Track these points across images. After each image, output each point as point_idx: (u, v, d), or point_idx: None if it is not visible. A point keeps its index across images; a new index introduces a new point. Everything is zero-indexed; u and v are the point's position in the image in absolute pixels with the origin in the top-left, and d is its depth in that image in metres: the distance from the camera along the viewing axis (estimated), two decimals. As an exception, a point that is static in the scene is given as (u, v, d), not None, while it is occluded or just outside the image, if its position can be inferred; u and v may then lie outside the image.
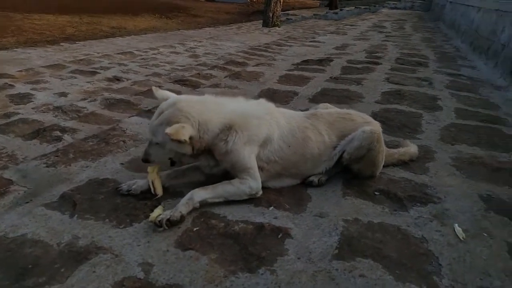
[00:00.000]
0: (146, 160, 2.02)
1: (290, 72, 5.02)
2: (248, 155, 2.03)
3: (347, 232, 1.81)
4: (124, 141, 2.77)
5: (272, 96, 4.01)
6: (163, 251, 1.65)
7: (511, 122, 3.48)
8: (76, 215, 1.86)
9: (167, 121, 1.87)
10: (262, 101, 2.25)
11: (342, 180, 2.29)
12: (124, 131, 2.96)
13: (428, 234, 1.83)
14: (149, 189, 2.02)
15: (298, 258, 1.62)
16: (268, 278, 1.52)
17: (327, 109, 2.42)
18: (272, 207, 1.99)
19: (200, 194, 1.91)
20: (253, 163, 2.04)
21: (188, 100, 2.00)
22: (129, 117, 3.28)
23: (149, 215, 1.82)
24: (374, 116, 3.48)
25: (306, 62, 5.70)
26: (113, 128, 2.99)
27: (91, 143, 2.71)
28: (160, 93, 2.10)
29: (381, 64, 5.62)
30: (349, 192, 2.16)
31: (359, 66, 5.45)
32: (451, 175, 2.44)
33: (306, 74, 4.93)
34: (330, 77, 4.78)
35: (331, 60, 5.77)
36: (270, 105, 2.25)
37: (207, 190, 1.94)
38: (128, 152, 2.59)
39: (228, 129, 1.98)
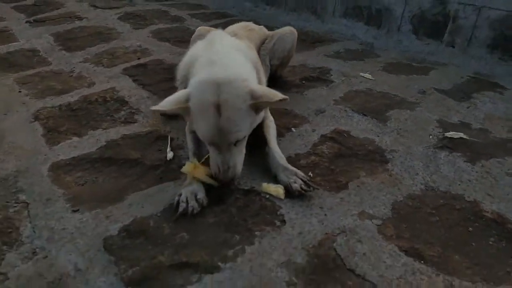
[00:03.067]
0: (236, 177, 1.49)
1: None
2: None
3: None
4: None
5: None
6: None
7: (235, 13, 4.31)
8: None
9: (244, 97, 1.41)
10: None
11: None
12: None
13: (362, 86, 2.50)
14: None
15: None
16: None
17: (231, 27, 2.30)
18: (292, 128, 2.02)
19: (276, 147, 1.68)
20: None
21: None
22: None
23: (270, 196, 1.50)
24: (162, 39, 3.34)
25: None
26: None
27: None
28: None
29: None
30: (293, 89, 2.42)
31: None
32: (299, 51, 3.03)
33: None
34: (29, 21, 3.67)
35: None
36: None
37: (271, 142, 1.71)
38: (73, 203, 1.51)
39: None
